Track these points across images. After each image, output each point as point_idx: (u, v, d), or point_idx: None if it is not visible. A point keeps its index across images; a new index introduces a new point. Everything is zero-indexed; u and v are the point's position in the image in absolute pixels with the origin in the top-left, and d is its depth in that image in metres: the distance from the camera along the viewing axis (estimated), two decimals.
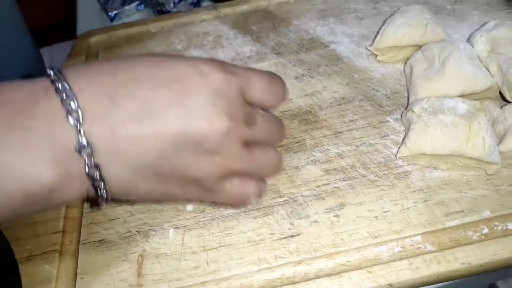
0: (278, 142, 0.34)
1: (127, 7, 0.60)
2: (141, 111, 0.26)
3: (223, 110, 0.28)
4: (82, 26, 0.64)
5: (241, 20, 0.53)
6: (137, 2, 0.61)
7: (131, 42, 0.53)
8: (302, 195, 0.36)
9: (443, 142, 0.33)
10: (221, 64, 0.29)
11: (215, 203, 0.35)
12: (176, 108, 0.27)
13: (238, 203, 0.32)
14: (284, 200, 0.36)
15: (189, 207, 0.37)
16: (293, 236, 0.34)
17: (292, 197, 0.36)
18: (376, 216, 0.34)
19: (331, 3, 0.53)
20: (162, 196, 0.30)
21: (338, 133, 0.40)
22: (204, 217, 0.36)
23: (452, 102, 0.34)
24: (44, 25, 1.53)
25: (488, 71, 0.37)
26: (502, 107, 0.36)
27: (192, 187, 0.30)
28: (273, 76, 0.31)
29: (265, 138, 0.32)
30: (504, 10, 0.47)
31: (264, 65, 0.47)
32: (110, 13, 0.60)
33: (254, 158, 0.31)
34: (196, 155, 0.28)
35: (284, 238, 0.34)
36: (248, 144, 0.30)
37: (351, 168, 0.37)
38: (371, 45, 0.45)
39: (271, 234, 0.34)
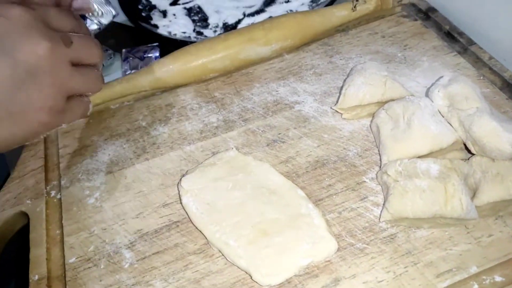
0: (98, 58, 0.37)
1: None
2: None
3: (39, 34, 0.32)
4: None
5: (203, 88, 0.53)
6: None
7: (91, 123, 0.51)
8: (295, 275, 0.36)
9: (423, 207, 0.34)
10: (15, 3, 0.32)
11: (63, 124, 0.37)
12: None
13: (79, 118, 0.38)
14: (279, 284, 0.35)
15: None
16: None
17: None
18: None
19: (288, 60, 0.54)
20: (22, 138, 0.34)
21: (319, 200, 0.40)
22: None
23: (424, 164, 0.36)
24: None
25: (451, 125, 0.39)
26: (468, 158, 0.38)
27: (47, 116, 0.34)
28: (61, 9, 0.36)
29: (85, 54, 0.36)
30: (449, 53, 0.50)
31: (234, 134, 0.47)
32: None
33: (83, 75, 0.36)
34: (36, 85, 0.32)
35: None
36: (74, 64, 0.35)
37: (338, 237, 0.37)
38: (335, 105, 0.46)
39: None
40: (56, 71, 0.33)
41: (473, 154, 0.38)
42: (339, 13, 0.54)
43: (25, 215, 0.44)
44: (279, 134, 0.46)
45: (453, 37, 0.52)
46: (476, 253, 0.35)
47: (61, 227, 0.42)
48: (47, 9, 0.34)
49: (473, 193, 0.36)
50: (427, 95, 0.43)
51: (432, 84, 0.42)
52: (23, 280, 0.40)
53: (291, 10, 0.63)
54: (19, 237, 0.46)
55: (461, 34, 0.52)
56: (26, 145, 0.51)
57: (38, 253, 0.41)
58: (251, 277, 0.35)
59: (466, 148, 0.39)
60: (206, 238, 0.38)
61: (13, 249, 0.47)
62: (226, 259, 0.37)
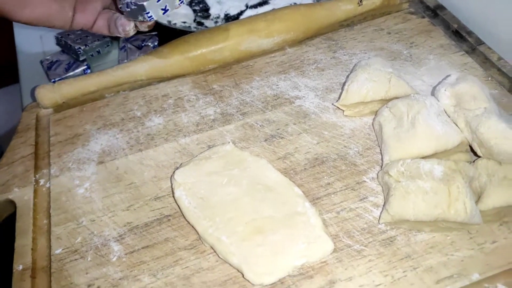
0: None
1: (71, 73, 0.56)
2: None
3: None
4: (26, 86, 0.59)
5: (201, 79, 0.51)
6: (84, 67, 0.57)
7: (85, 111, 0.50)
8: (289, 275, 0.34)
9: (426, 210, 0.33)
10: None
11: None
12: None
13: None
14: (271, 284, 0.34)
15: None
16: None
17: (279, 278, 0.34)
18: None
19: (290, 54, 0.52)
20: None
21: (317, 199, 0.39)
22: None
23: (428, 165, 0.34)
24: None
25: (457, 125, 0.37)
26: (474, 161, 0.37)
27: None
28: None
29: None
30: (456, 52, 0.49)
31: (231, 128, 0.46)
32: (52, 80, 0.56)
33: None
34: None
35: None
36: None
37: (335, 238, 0.36)
38: (337, 101, 0.44)
39: None
40: None
41: (478, 157, 0.37)
42: (345, 7, 0.52)
43: (12, 203, 0.43)
44: (278, 129, 0.45)
45: (461, 36, 0.50)
46: (479, 259, 0.34)
47: (49, 217, 0.41)
48: None
49: (478, 197, 0.35)
50: (433, 94, 0.41)
51: (439, 83, 0.40)
52: (8, 270, 0.38)
53: (295, 3, 0.61)
54: (6, 226, 0.44)
55: (469, 33, 0.50)
56: (17, 132, 0.49)
57: (23, 243, 0.39)
58: (243, 275, 0.34)
59: (472, 150, 0.38)
60: (198, 233, 0.37)
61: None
62: (218, 256, 0.36)
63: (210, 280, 0.35)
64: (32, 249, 0.39)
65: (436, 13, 0.53)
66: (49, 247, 0.39)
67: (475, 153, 0.37)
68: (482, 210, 0.33)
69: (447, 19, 0.52)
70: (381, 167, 0.39)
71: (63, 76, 0.56)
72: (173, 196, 0.40)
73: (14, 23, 0.70)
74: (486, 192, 0.33)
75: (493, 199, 0.33)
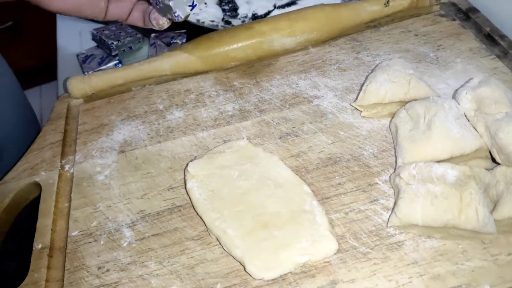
0: None
1: (103, 67, 0.59)
2: None
3: None
4: (63, 78, 0.62)
5: (223, 76, 0.52)
6: (116, 61, 0.60)
7: (112, 103, 0.52)
8: (291, 273, 0.34)
9: (435, 215, 0.32)
10: None
11: None
12: None
13: None
14: (273, 280, 0.34)
15: None
16: None
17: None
18: None
19: (313, 54, 0.52)
20: None
21: (326, 198, 0.39)
22: None
23: (441, 168, 0.33)
24: (30, 66, 1.53)
25: (476, 130, 0.36)
26: (493, 168, 0.35)
27: None
28: None
29: None
30: (486, 56, 0.47)
31: (248, 124, 0.46)
32: (85, 72, 0.59)
33: None
34: None
35: None
36: None
37: (341, 239, 0.35)
38: (355, 101, 0.44)
39: None
40: None
41: (498, 164, 0.35)
42: (370, 8, 0.51)
43: (38, 186, 0.45)
44: (294, 127, 0.45)
45: (493, 39, 0.48)
46: (491, 271, 0.32)
47: (70, 200, 0.43)
48: None
49: (494, 205, 0.33)
50: (454, 97, 0.39)
51: (461, 86, 0.39)
52: (29, 248, 0.41)
53: (322, 4, 0.61)
54: (34, 208, 0.47)
55: (502, 36, 0.48)
56: (49, 119, 0.52)
57: (44, 223, 0.42)
58: (245, 269, 0.34)
59: (492, 158, 0.36)
60: (205, 224, 0.38)
61: (27, 219, 0.49)
62: (223, 248, 0.36)
63: (213, 271, 0.36)
64: (51, 229, 0.41)
65: (468, 16, 0.51)
66: (67, 229, 0.41)
67: (494, 160, 0.36)
68: (497, 219, 0.32)
69: (479, 22, 0.50)
70: (395, 169, 0.38)
71: (96, 70, 0.59)
72: (185, 188, 0.41)
73: (57, 20, 0.75)
74: (502, 200, 0.32)
75: (510, 208, 0.31)
